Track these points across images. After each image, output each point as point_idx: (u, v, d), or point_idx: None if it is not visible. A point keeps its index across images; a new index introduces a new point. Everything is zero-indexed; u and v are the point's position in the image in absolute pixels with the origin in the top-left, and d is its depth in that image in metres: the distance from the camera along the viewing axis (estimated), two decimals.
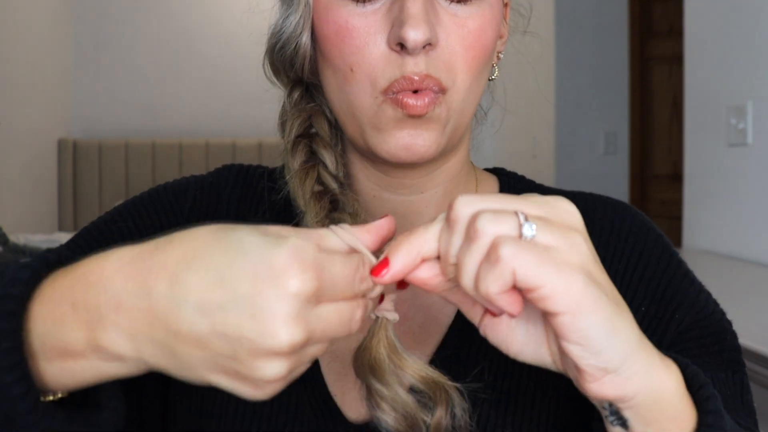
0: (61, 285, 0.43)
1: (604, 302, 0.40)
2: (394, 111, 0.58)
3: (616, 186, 4.26)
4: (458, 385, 0.55)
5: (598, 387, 0.42)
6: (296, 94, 0.67)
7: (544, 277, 0.39)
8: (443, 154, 0.64)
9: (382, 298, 0.49)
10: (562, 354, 0.43)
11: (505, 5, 0.67)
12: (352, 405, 0.63)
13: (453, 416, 0.55)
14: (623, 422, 0.45)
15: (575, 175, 4.11)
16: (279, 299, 0.38)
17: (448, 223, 0.42)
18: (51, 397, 0.44)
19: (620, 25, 4.24)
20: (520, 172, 0.75)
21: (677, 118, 3.83)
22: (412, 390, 0.54)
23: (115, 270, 0.41)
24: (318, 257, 0.40)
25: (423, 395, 0.54)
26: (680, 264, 0.66)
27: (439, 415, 0.53)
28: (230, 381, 0.40)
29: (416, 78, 0.57)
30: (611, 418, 0.45)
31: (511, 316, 0.42)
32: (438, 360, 0.62)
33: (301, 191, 0.62)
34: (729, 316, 0.65)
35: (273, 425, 0.61)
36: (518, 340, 0.45)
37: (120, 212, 0.72)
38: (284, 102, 0.68)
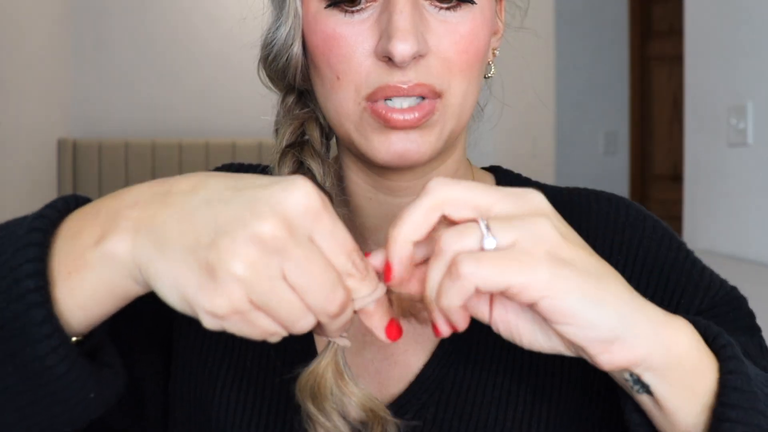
0: (91, 206, 0.50)
1: (579, 277, 0.41)
2: (378, 123, 0.58)
3: (616, 186, 4.26)
4: (397, 420, 0.57)
5: (610, 358, 0.43)
6: (290, 100, 0.68)
7: (508, 279, 0.41)
8: (438, 156, 0.64)
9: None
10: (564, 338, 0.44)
11: (498, 1, 0.67)
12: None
13: None
14: (647, 388, 0.45)
15: (575, 175, 4.11)
16: (284, 194, 0.41)
17: (426, 209, 0.44)
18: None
19: (620, 25, 4.24)
20: (520, 172, 0.75)
21: (677, 118, 3.83)
22: (350, 420, 0.56)
23: (146, 185, 0.47)
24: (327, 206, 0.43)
25: (363, 425, 0.56)
26: (680, 247, 0.65)
27: None
28: (195, 278, 0.41)
29: (404, 87, 0.57)
30: (636, 387, 0.45)
31: (455, 330, 0.44)
32: (436, 358, 0.63)
33: None
34: None
35: None
36: (528, 330, 0.45)
37: None
38: (278, 109, 0.68)
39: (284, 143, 0.65)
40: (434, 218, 0.44)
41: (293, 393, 0.61)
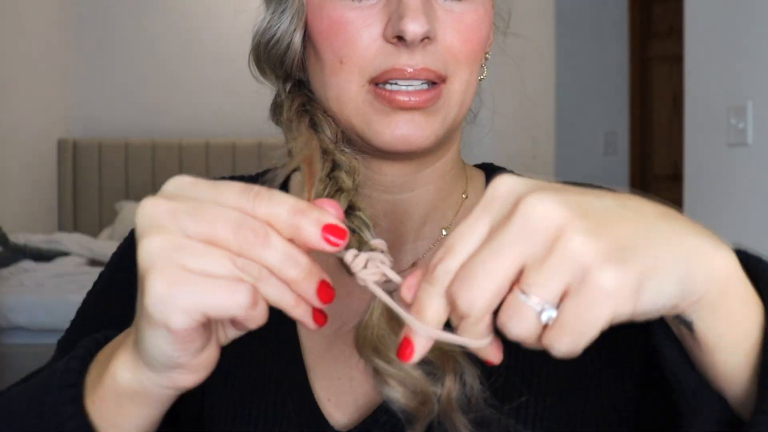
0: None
1: (644, 261, 0.36)
2: (383, 105, 0.59)
3: (616, 186, 4.25)
4: (469, 349, 0.51)
5: (631, 305, 0.37)
6: (289, 85, 0.68)
7: (597, 321, 0.36)
8: (434, 150, 0.64)
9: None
10: None
11: (492, 6, 0.68)
12: (342, 410, 0.63)
13: (464, 384, 0.53)
14: (688, 324, 0.41)
15: (575, 175, 4.10)
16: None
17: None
18: None
19: (620, 25, 4.24)
20: (520, 173, 0.74)
21: (677, 118, 3.83)
22: (420, 362, 0.49)
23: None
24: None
25: (432, 366, 0.53)
26: None
27: (449, 385, 0.52)
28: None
29: (409, 70, 0.58)
30: (675, 320, 0.42)
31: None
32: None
33: (306, 150, 0.62)
34: None
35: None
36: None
37: (117, 265, 0.71)
38: (278, 89, 0.68)
39: (296, 107, 0.65)
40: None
41: (279, 408, 0.62)
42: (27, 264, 3.40)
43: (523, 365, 0.60)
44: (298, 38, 0.63)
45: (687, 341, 0.43)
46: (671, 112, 4.05)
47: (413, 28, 0.56)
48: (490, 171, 0.74)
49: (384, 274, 0.41)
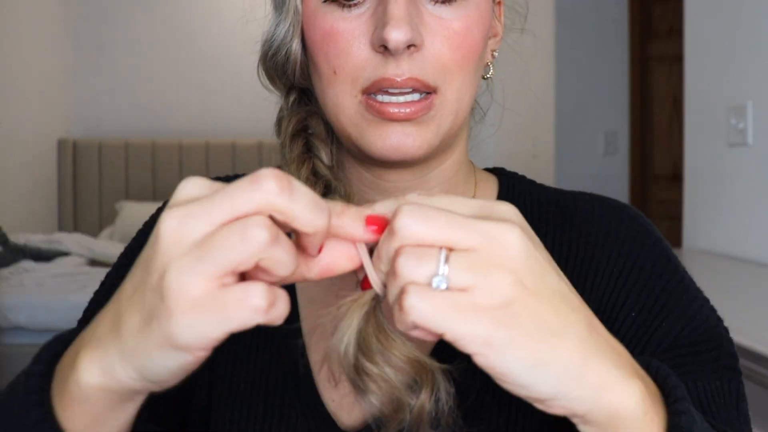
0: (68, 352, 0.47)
1: (518, 340, 0.39)
2: (374, 116, 0.59)
3: (616, 186, 4.26)
4: (447, 366, 0.52)
5: (545, 408, 0.42)
6: (292, 98, 0.68)
7: (445, 325, 0.39)
8: (436, 155, 0.64)
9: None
10: None
11: (498, 3, 0.68)
12: (347, 410, 0.63)
13: (437, 400, 0.52)
14: None
15: (575, 175, 4.11)
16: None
17: (390, 252, 0.41)
18: None
19: (620, 25, 4.24)
20: (520, 172, 0.75)
21: (677, 118, 3.83)
22: (400, 373, 0.51)
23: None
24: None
25: (410, 377, 0.53)
26: (676, 270, 0.64)
27: (424, 398, 0.51)
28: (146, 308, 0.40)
29: (398, 79, 0.57)
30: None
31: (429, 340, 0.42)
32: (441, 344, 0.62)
33: (296, 175, 0.62)
34: (728, 316, 0.65)
35: None
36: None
37: (124, 265, 0.71)
38: (282, 104, 0.69)
39: (291, 130, 0.66)
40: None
41: (286, 409, 0.62)
42: (27, 264, 3.40)
43: (495, 385, 0.60)
44: (296, 47, 0.63)
45: None
46: (671, 112, 4.05)
47: (395, 36, 0.55)
48: (503, 177, 0.73)
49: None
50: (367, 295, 0.46)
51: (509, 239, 0.40)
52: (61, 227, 4.30)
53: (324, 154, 0.64)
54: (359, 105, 0.59)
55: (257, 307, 0.38)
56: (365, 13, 0.58)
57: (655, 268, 0.64)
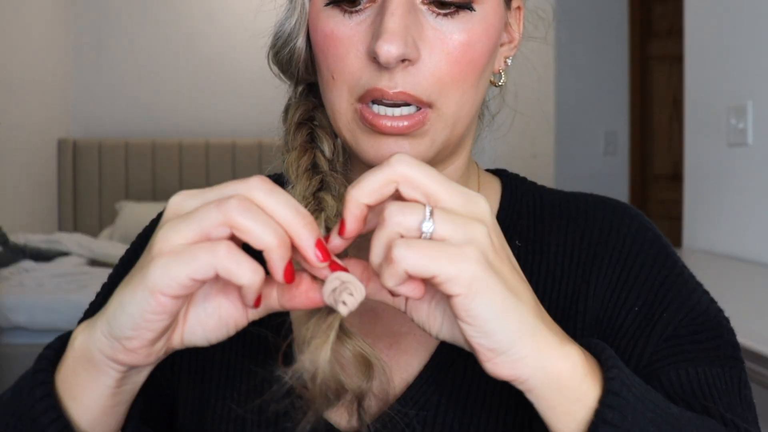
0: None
1: (497, 287, 0.45)
2: (365, 126, 0.58)
3: (616, 186, 4.26)
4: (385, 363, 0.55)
5: (492, 367, 0.47)
6: (300, 88, 0.68)
7: (434, 268, 0.43)
8: (437, 162, 0.63)
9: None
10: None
11: (517, 9, 0.67)
12: (349, 411, 0.63)
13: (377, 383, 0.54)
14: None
15: (575, 175, 4.11)
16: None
17: (383, 179, 0.46)
18: None
19: (620, 25, 4.24)
20: (520, 172, 0.75)
21: (677, 118, 3.83)
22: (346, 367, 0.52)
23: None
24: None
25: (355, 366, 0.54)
26: (675, 265, 0.66)
27: (363, 385, 0.52)
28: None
29: (390, 92, 0.56)
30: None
31: (416, 298, 0.47)
32: (437, 357, 0.63)
33: (295, 165, 0.62)
34: (728, 316, 0.65)
35: None
36: (437, 320, 0.49)
37: (126, 264, 0.72)
38: (290, 95, 0.69)
39: (296, 119, 0.66)
40: (389, 189, 0.46)
41: (281, 418, 0.62)
42: (27, 264, 3.40)
43: (443, 378, 0.62)
44: (300, 44, 0.63)
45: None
46: (671, 112, 4.06)
47: (386, 50, 0.54)
48: (505, 178, 0.73)
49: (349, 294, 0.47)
50: (330, 317, 0.48)
51: (482, 203, 0.47)
52: (61, 227, 4.30)
53: (326, 147, 0.64)
54: (354, 113, 0.59)
55: (220, 254, 0.43)
56: (365, 21, 0.58)
57: (655, 264, 0.65)
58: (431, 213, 0.44)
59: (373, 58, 0.56)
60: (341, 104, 0.59)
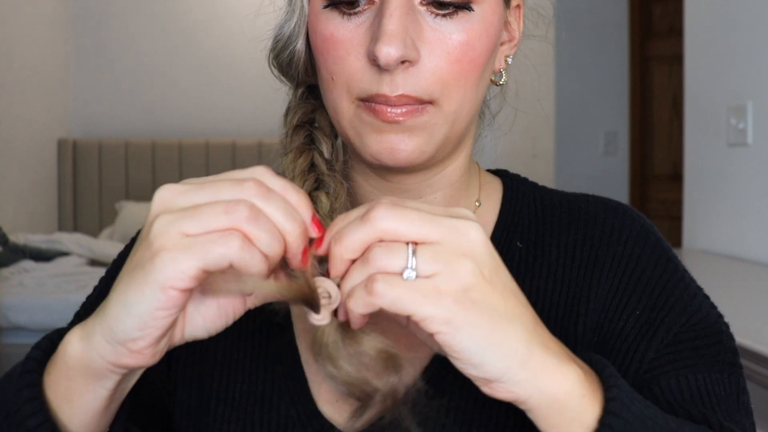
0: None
1: (479, 321, 0.45)
2: (370, 118, 0.58)
3: (616, 186, 4.26)
4: (412, 355, 0.56)
5: (490, 390, 0.47)
6: (300, 91, 0.68)
7: (411, 308, 0.44)
8: (438, 160, 0.64)
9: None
10: None
11: (517, 7, 0.67)
12: (350, 411, 0.63)
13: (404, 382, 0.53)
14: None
15: (575, 175, 4.11)
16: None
17: (365, 236, 0.46)
18: None
19: (620, 25, 4.24)
20: (520, 173, 0.75)
21: (677, 118, 3.83)
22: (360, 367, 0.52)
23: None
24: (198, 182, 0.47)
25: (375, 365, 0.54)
26: (676, 269, 0.65)
27: (393, 380, 0.52)
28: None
29: (392, 95, 0.57)
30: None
31: (355, 327, 0.47)
32: (435, 363, 0.63)
33: (292, 167, 0.63)
34: (729, 316, 0.65)
35: None
36: (436, 345, 0.48)
37: (118, 266, 0.72)
38: (291, 98, 0.69)
39: (295, 122, 0.66)
40: (371, 242, 0.46)
41: (282, 419, 0.62)
42: (27, 264, 3.40)
43: (443, 381, 0.62)
44: (300, 46, 0.63)
45: None
46: (671, 112, 4.06)
47: (385, 52, 0.54)
48: (507, 178, 0.74)
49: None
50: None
51: (471, 233, 0.46)
52: (61, 227, 4.30)
53: (325, 148, 0.64)
54: (357, 109, 0.59)
55: (235, 246, 0.43)
56: (364, 23, 0.58)
57: (656, 268, 0.65)
58: (414, 252, 0.45)
59: (373, 61, 0.56)
60: (342, 104, 0.60)
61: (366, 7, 0.58)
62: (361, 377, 0.49)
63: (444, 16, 0.57)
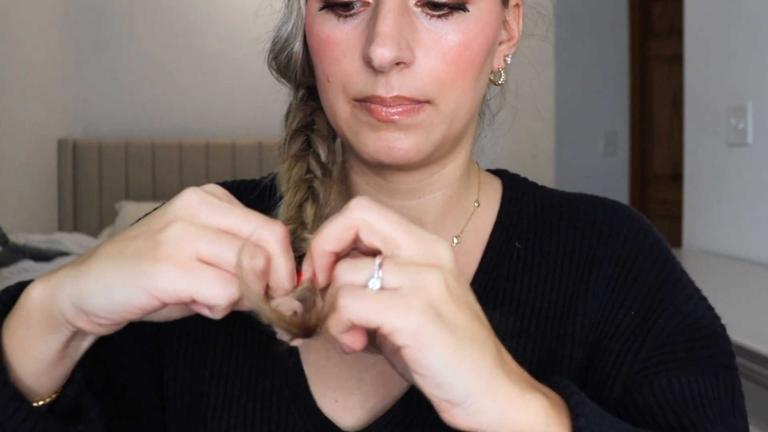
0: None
1: (446, 337, 0.43)
2: (366, 117, 0.58)
3: (616, 186, 4.26)
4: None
5: (450, 418, 0.45)
6: (300, 93, 0.68)
7: (378, 319, 0.42)
8: (437, 159, 0.64)
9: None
10: None
11: (516, 6, 0.67)
12: (350, 410, 0.63)
13: None
14: None
15: (575, 175, 4.11)
16: (175, 199, 0.47)
17: (343, 226, 0.46)
18: (37, 403, 0.50)
19: (620, 25, 4.24)
20: (520, 172, 0.75)
21: (677, 118, 3.83)
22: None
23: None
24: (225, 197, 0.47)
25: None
26: (674, 269, 0.65)
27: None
28: (132, 262, 0.44)
29: (387, 97, 0.57)
30: None
31: (356, 349, 0.46)
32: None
33: (286, 177, 0.63)
34: (728, 316, 0.65)
35: None
36: (400, 362, 0.47)
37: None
38: (291, 100, 0.69)
39: (294, 126, 0.66)
40: (350, 234, 0.46)
41: (283, 418, 0.62)
42: (27, 264, 3.40)
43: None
44: (297, 48, 0.63)
45: None
46: (671, 112, 4.06)
47: (380, 53, 0.54)
48: (506, 178, 0.74)
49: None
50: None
51: (440, 248, 0.46)
52: (61, 227, 4.30)
53: (322, 152, 0.64)
54: (353, 109, 0.59)
55: (232, 293, 0.44)
56: (360, 25, 0.58)
57: (653, 268, 0.65)
58: (381, 265, 0.44)
59: (368, 62, 0.56)
60: (338, 104, 0.60)
61: (361, 9, 0.58)
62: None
63: (439, 17, 0.57)
